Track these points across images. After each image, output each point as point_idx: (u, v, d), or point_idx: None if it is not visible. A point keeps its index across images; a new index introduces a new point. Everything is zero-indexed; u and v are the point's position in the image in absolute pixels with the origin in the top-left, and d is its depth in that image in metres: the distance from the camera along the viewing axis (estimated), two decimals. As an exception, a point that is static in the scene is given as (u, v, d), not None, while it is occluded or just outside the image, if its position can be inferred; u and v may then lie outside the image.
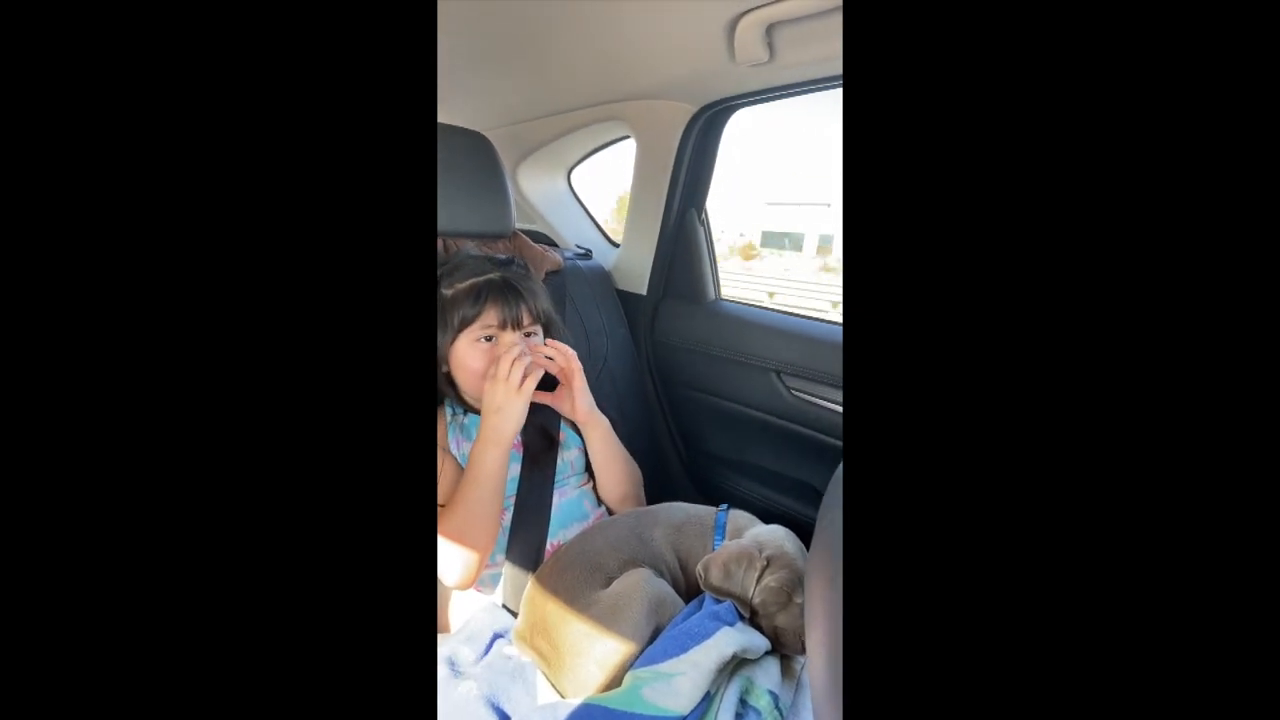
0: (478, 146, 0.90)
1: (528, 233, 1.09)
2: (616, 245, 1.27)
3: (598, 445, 0.79)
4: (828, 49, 0.72)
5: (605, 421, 0.79)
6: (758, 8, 0.69)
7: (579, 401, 0.76)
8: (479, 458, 0.68)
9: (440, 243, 0.87)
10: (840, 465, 0.44)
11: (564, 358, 0.73)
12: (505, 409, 0.67)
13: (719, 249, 1.17)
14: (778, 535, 0.66)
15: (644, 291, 1.12)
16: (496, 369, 0.68)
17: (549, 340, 0.74)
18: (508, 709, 0.55)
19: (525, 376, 0.68)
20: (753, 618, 0.61)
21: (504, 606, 0.70)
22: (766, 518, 0.73)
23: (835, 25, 0.69)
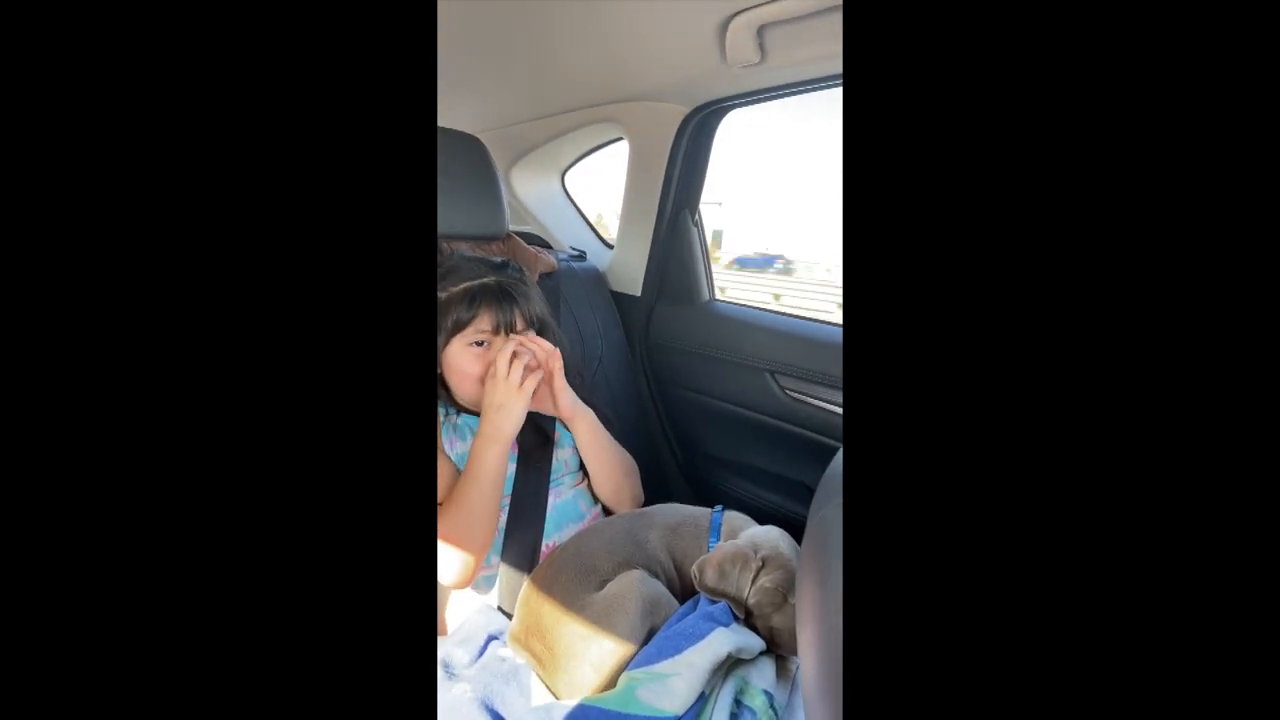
0: (471, 148, 0.90)
1: (521, 234, 1.09)
2: (611, 247, 1.27)
3: (585, 438, 0.79)
4: (820, 50, 0.73)
5: (590, 414, 0.79)
6: (749, 9, 0.70)
7: (560, 398, 0.75)
8: (479, 455, 0.68)
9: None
10: (829, 464, 0.44)
11: (543, 353, 0.72)
12: (506, 407, 0.67)
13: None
14: (772, 536, 0.66)
15: (638, 293, 1.13)
16: (496, 368, 0.68)
17: (528, 337, 0.73)
18: (502, 711, 0.55)
19: (525, 376, 0.68)
20: (748, 618, 0.61)
21: (499, 608, 0.70)
22: (761, 518, 0.73)
23: (827, 26, 0.69)
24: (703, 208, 1.07)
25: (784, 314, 1.01)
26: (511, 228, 1.01)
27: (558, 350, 0.73)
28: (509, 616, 0.67)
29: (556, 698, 0.57)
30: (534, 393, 0.71)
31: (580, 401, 0.78)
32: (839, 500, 0.36)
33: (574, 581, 0.64)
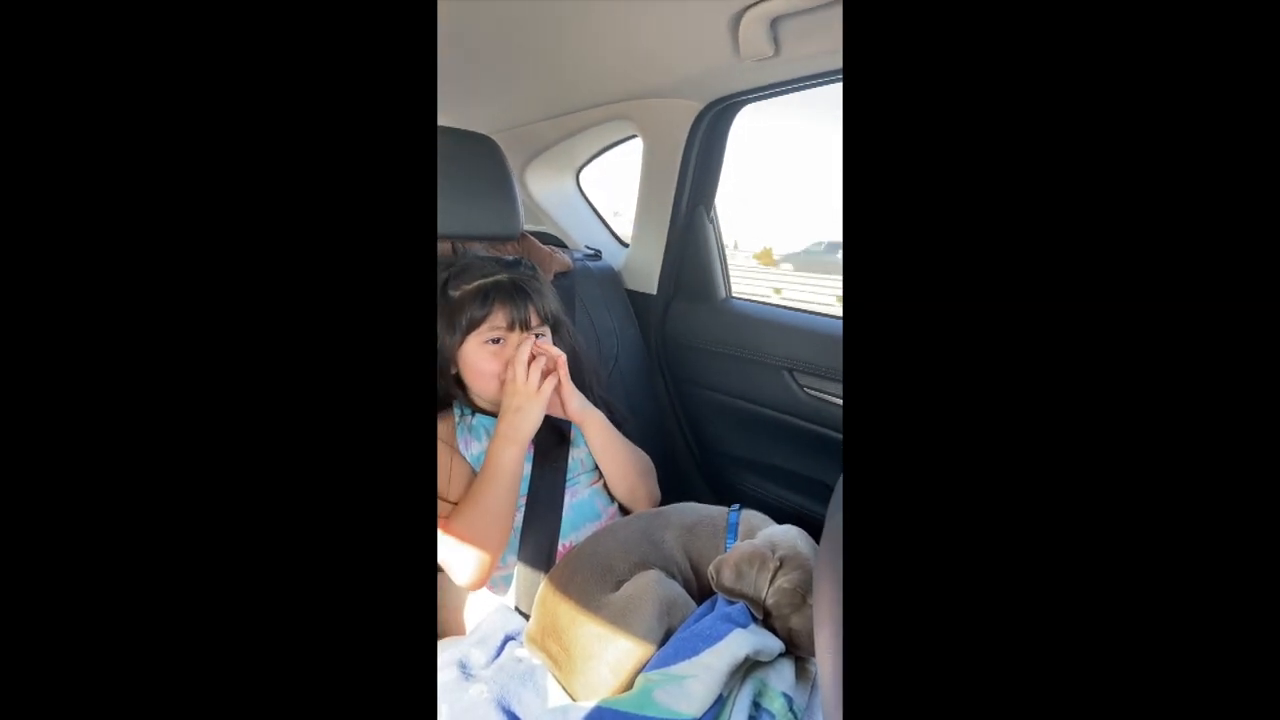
0: (485, 149, 0.90)
1: (536, 234, 1.09)
2: (626, 245, 1.27)
3: (597, 439, 0.78)
4: (834, 41, 0.71)
5: (600, 415, 0.79)
6: (762, 1, 0.69)
7: (568, 401, 0.75)
8: (496, 455, 0.68)
9: (449, 245, 0.87)
10: None
11: (549, 359, 0.72)
12: (524, 409, 0.68)
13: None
14: (791, 535, 0.66)
15: (654, 291, 1.12)
16: (514, 371, 0.68)
17: (536, 344, 0.72)
18: (519, 712, 0.55)
19: (543, 378, 0.68)
20: (766, 619, 0.60)
21: (516, 609, 0.70)
22: (781, 517, 0.72)
23: (840, 17, 0.68)
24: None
25: (802, 310, 1.00)
26: (527, 228, 1.01)
27: (563, 354, 0.73)
28: (526, 617, 0.67)
29: (573, 699, 0.57)
30: None
31: (589, 404, 0.78)
32: None
33: (590, 582, 0.63)
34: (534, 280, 0.77)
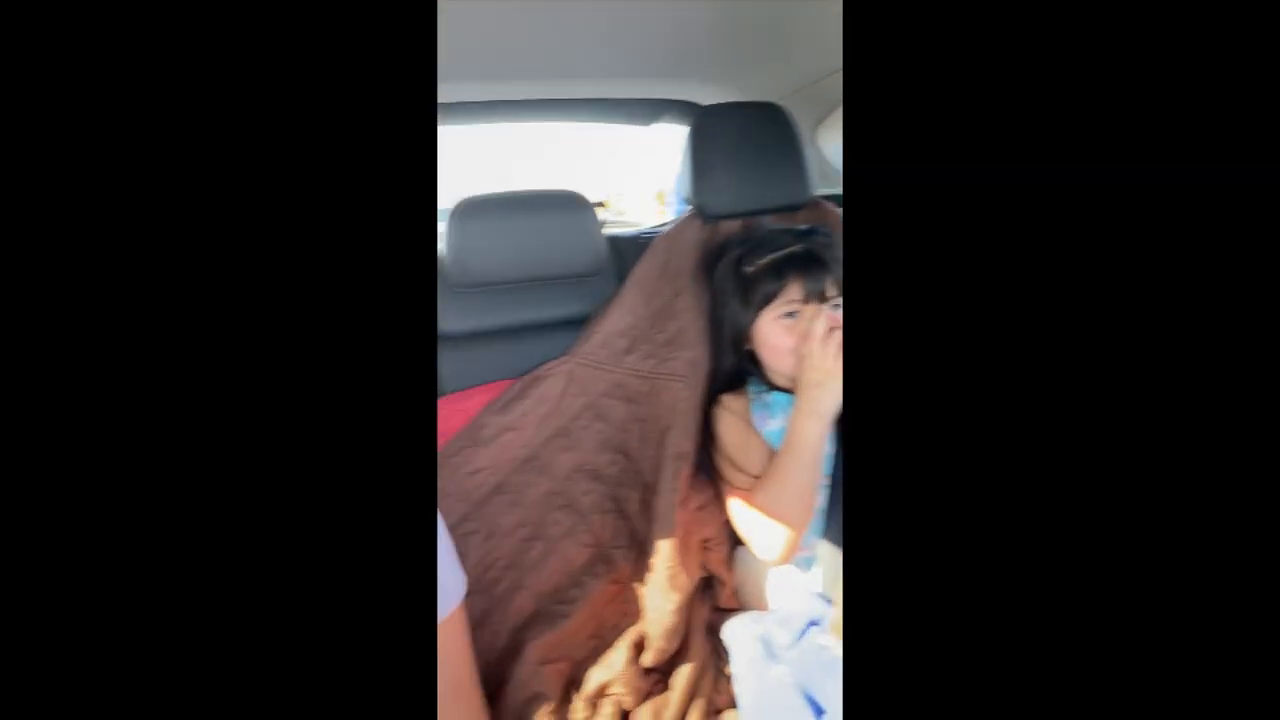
0: (771, 118, 0.87)
1: (830, 197, 1.02)
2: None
3: None
4: None
5: None
6: None
7: None
8: (798, 430, 0.66)
9: (740, 223, 0.87)
10: None
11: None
12: (824, 384, 0.65)
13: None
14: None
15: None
16: (810, 346, 0.65)
17: (831, 315, 0.67)
18: (821, 701, 0.53)
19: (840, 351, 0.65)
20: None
21: (819, 594, 0.68)
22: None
23: None
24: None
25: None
26: (821, 191, 0.95)
27: None
28: (829, 602, 0.65)
29: (883, 700, 0.53)
30: None
31: None
32: None
33: (900, 576, 0.57)
34: (830, 248, 0.73)
